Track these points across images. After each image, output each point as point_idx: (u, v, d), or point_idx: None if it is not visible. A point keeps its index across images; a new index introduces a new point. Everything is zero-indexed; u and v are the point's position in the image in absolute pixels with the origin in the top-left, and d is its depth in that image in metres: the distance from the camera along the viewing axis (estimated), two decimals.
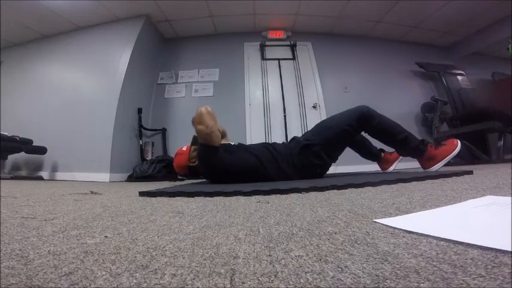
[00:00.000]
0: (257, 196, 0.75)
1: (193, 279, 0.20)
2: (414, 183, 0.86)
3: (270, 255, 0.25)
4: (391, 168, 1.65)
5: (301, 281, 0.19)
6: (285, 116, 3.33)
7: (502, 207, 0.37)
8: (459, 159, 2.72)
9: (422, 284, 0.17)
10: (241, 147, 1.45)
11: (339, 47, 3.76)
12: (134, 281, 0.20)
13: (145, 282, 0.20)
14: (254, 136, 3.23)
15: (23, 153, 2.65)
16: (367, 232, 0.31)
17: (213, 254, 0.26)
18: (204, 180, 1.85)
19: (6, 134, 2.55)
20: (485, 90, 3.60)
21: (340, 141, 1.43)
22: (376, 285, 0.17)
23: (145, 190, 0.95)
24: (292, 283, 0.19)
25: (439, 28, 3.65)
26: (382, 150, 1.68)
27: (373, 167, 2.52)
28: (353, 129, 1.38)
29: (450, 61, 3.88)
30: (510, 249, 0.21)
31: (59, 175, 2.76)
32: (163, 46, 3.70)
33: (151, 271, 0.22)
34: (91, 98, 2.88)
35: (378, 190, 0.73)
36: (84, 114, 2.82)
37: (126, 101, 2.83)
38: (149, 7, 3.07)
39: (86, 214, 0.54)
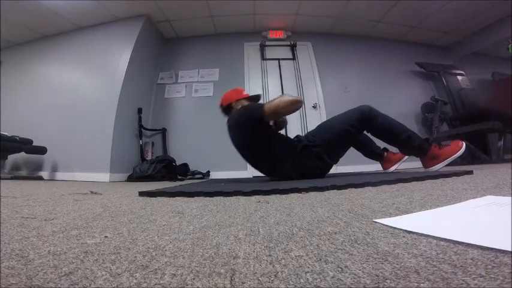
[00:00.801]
0: (257, 196, 0.75)
1: (193, 279, 0.20)
2: (414, 183, 0.86)
3: (270, 255, 0.25)
4: (392, 168, 1.65)
5: (301, 281, 0.19)
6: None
7: (502, 207, 0.37)
8: (459, 159, 2.72)
9: (422, 284, 0.17)
10: (281, 138, 1.50)
11: (339, 47, 3.76)
12: (134, 281, 0.20)
13: (145, 282, 0.20)
14: None
15: (23, 153, 2.65)
16: (367, 232, 0.31)
17: (213, 254, 0.26)
18: (204, 180, 1.85)
19: (6, 134, 2.55)
20: (485, 90, 3.60)
21: (342, 142, 1.43)
22: (376, 285, 0.17)
23: (145, 190, 0.95)
24: (292, 283, 0.19)
25: (439, 28, 3.65)
26: (386, 149, 1.68)
27: (373, 167, 2.52)
28: (355, 130, 1.38)
29: (450, 61, 3.87)
30: (510, 249, 0.21)
31: (59, 175, 2.76)
32: (163, 46, 3.69)
33: (151, 271, 0.22)
34: (91, 98, 2.88)
35: (378, 190, 0.73)
36: (84, 114, 2.82)
37: (126, 101, 2.83)
38: (149, 7, 3.07)
39: (86, 214, 0.54)
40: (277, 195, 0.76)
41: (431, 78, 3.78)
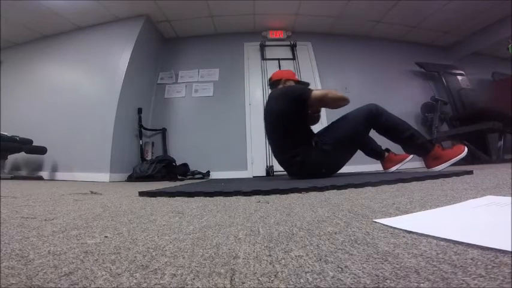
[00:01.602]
0: (257, 196, 0.75)
1: (193, 279, 0.20)
2: (414, 183, 0.86)
3: (270, 255, 0.25)
4: (393, 169, 1.65)
5: (301, 281, 0.19)
6: None
7: (502, 207, 0.37)
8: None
9: (422, 284, 0.17)
10: (307, 129, 1.55)
11: (339, 47, 3.76)
12: (134, 281, 0.20)
13: (145, 282, 0.20)
14: (254, 136, 3.23)
15: (23, 153, 2.65)
16: (367, 232, 0.31)
17: (213, 254, 0.26)
18: (204, 180, 1.86)
19: (6, 134, 2.55)
20: (485, 90, 3.60)
21: (352, 141, 1.46)
22: (376, 285, 0.17)
23: (145, 190, 0.95)
24: (292, 283, 0.19)
25: (439, 28, 3.65)
26: (387, 150, 1.68)
27: (373, 167, 2.52)
28: (364, 128, 1.42)
29: (450, 61, 3.87)
30: (510, 249, 0.21)
31: (59, 175, 2.76)
32: (163, 46, 3.69)
33: (151, 271, 0.22)
34: (91, 98, 2.88)
35: (378, 190, 0.73)
36: (84, 114, 2.82)
37: (126, 101, 2.83)
38: (149, 7, 3.07)
39: (86, 214, 0.54)
40: (277, 195, 0.76)
41: (431, 78, 3.78)
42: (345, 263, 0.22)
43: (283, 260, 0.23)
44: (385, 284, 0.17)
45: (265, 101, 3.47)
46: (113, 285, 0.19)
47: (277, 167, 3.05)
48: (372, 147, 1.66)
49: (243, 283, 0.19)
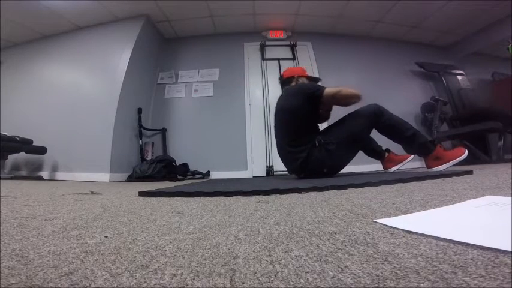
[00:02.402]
0: (257, 196, 0.75)
1: (193, 279, 0.20)
2: (414, 183, 0.86)
3: (270, 255, 0.25)
4: (393, 169, 1.65)
5: (301, 281, 0.19)
6: None
7: (502, 207, 0.37)
8: None
9: (422, 284, 0.17)
10: (316, 128, 1.58)
11: (339, 47, 3.76)
12: (134, 281, 0.20)
13: (145, 282, 0.20)
14: (254, 136, 3.23)
15: (23, 153, 2.65)
16: (367, 232, 0.31)
17: (213, 254, 0.26)
18: (204, 180, 1.86)
19: (6, 134, 2.55)
20: (485, 90, 3.60)
21: (355, 142, 1.47)
22: (376, 285, 0.17)
23: (145, 190, 0.95)
24: (292, 283, 0.19)
25: (439, 28, 3.65)
26: (388, 150, 1.68)
27: (373, 167, 2.52)
28: (366, 128, 1.43)
29: (450, 61, 3.87)
30: (510, 249, 0.21)
31: (59, 175, 2.76)
32: (163, 46, 3.69)
33: (151, 271, 0.22)
34: (91, 98, 2.87)
35: (378, 190, 0.73)
36: (84, 114, 2.82)
37: (126, 101, 2.83)
38: (149, 7, 3.07)
39: (86, 214, 0.54)
40: (277, 195, 0.76)
41: (431, 78, 3.78)
42: (345, 263, 0.22)
43: (283, 260, 0.23)
44: (385, 284, 0.17)
45: (265, 101, 3.51)
46: (113, 285, 0.19)
47: (277, 167, 3.06)
48: (373, 147, 1.66)
49: (243, 283, 0.19)
